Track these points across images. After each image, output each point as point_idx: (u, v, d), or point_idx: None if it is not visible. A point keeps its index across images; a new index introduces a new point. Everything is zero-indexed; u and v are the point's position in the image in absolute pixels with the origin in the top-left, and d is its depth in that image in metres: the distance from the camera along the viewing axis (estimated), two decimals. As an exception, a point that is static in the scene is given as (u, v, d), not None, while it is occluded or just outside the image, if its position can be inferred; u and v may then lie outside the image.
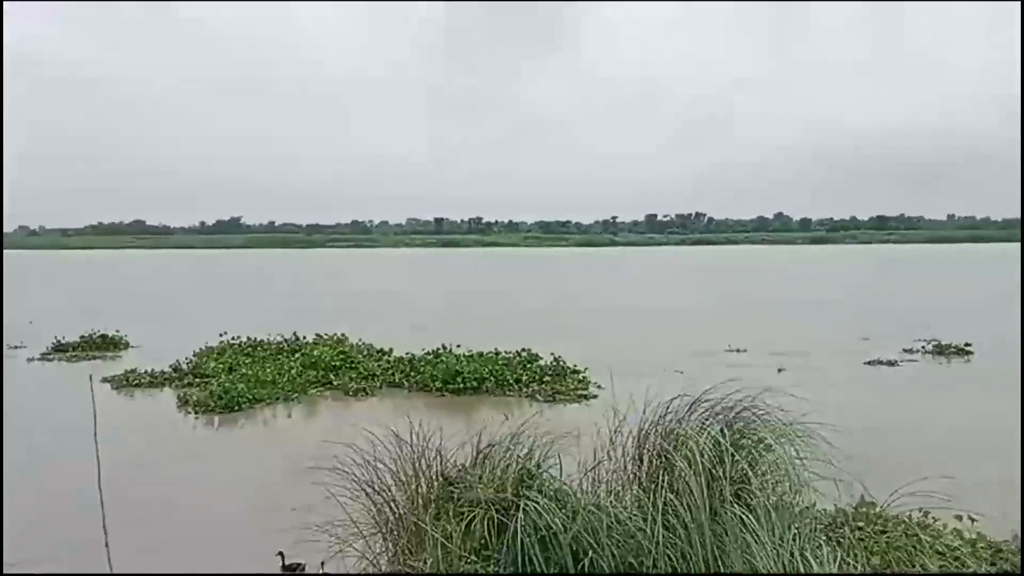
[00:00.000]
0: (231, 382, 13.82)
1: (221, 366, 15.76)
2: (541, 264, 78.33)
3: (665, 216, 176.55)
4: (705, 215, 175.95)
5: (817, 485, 5.30)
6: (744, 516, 4.53)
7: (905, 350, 18.94)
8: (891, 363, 17.48)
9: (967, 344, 19.23)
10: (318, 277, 57.92)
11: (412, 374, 15.03)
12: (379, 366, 15.76)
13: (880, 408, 12.96)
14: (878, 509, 6.90)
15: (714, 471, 4.76)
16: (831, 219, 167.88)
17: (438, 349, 16.25)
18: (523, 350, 16.19)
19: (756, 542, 4.39)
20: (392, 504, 5.81)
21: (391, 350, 17.09)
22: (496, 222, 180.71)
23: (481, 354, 15.73)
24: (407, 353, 16.21)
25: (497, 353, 15.89)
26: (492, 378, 14.36)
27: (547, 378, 14.66)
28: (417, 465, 5.92)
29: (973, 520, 7.34)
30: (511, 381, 14.40)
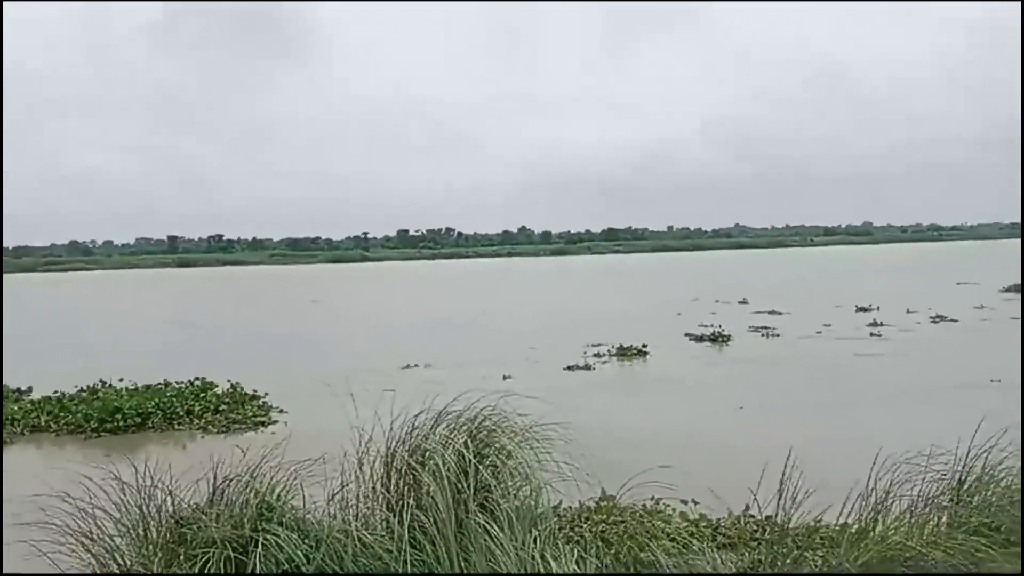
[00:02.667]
0: None
1: None
2: (269, 282, 75.14)
3: (417, 231, 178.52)
4: (455, 230, 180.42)
5: (560, 485, 5.56)
6: (488, 524, 4.63)
7: (594, 354, 20.79)
8: (587, 367, 19.18)
9: (644, 345, 21.61)
10: None
11: (62, 415, 13.10)
12: (19, 408, 13.52)
13: (597, 407, 14.03)
14: (616, 502, 7.41)
15: (459, 483, 4.82)
16: (569, 232, 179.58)
17: (95, 384, 14.72)
18: (196, 379, 15.11)
19: (499, 548, 4.50)
20: (116, 554, 5.23)
21: (30, 388, 15.21)
22: (239, 239, 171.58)
23: (148, 386, 14.38)
24: (56, 391, 14.32)
25: (166, 384, 14.65)
26: (159, 412, 13.04)
27: (223, 407, 13.64)
28: (145, 509, 5.39)
29: (696, 503, 8.16)
30: (181, 414, 13.18)
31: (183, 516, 5.28)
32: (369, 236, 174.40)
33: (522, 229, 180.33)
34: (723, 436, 11.72)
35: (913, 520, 5.29)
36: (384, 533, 4.86)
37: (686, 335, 24.60)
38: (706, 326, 25.90)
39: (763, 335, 25.40)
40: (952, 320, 27.86)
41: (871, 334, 24.89)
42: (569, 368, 18.69)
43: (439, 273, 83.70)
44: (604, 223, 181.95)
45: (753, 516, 7.35)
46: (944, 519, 5.26)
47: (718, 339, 24.31)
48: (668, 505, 7.86)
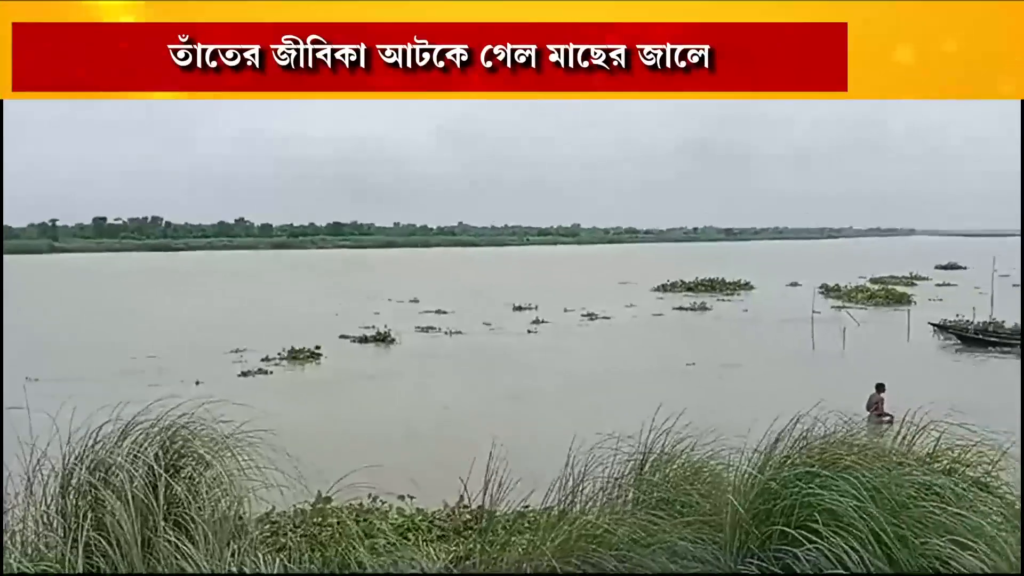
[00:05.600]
0: None
1: None
2: None
3: (117, 219, 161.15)
4: (163, 219, 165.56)
5: (270, 492, 5.30)
6: (179, 542, 4.27)
7: (263, 359, 20.54)
8: (264, 372, 18.90)
9: (317, 347, 21.78)
10: None
11: None
12: None
13: (297, 410, 13.87)
14: (332, 503, 7.26)
15: (148, 500, 4.39)
16: (291, 225, 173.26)
17: None
18: None
19: (192, 566, 4.18)
20: None
21: None
22: None
23: None
24: None
25: None
26: None
27: None
28: None
29: (412, 498, 8.28)
30: None
31: None
32: (59, 224, 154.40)
33: (240, 221, 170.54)
34: (431, 431, 12.07)
35: (604, 500, 5.77)
36: (56, 563, 4.28)
37: (343, 336, 24.78)
38: (368, 327, 26.18)
39: (432, 334, 26.42)
40: (604, 317, 31.25)
41: (528, 331, 27.13)
42: (244, 374, 18.06)
43: (124, 269, 75.89)
44: (329, 217, 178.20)
45: (467, 506, 7.60)
46: (630, 497, 5.79)
47: (384, 339, 24.84)
48: (385, 502, 7.91)
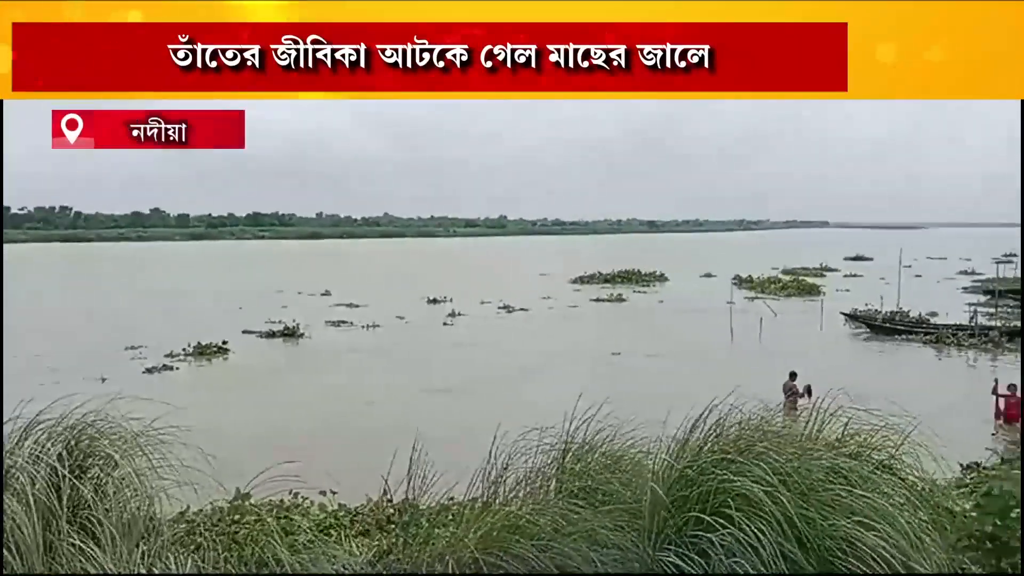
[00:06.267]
0: None
1: None
2: None
3: (22, 209, 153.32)
4: (72, 209, 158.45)
5: (184, 491, 5.14)
6: (83, 545, 4.10)
7: (167, 355, 19.99)
8: (169, 368, 18.35)
9: (224, 342, 21.35)
10: None
11: None
12: None
13: (210, 407, 13.53)
14: (251, 500, 7.10)
15: (51, 503, 4.20)
16: (209, 215, 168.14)
17: None
18: None
19: (97, 570, 4.02)
20: None
21: None
22: None
23: None
24: None
25: None
26: None
27: None
28: None
29: (335, 493, 8.18)
30: None
31: None
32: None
33: (155, 211, 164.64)
34: (354, 426, 11.92)
35: (527, 490, 5.80)
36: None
37: (247, 332, 24.22)
38: (275, 321, 25.69)
39: (343, 328, 25.99)
40: (522, 309, 31.46)
41: (444, 324, 27.09)
42: (149, 371, 17.46)
43: (24, 260, 71.82)
44: (249, 207, 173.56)
45: (391, 500, 7.54)
46: (552, 486, 5.83)
47: (292, 334, 24.35)
48: (306, 499, 7.79)
